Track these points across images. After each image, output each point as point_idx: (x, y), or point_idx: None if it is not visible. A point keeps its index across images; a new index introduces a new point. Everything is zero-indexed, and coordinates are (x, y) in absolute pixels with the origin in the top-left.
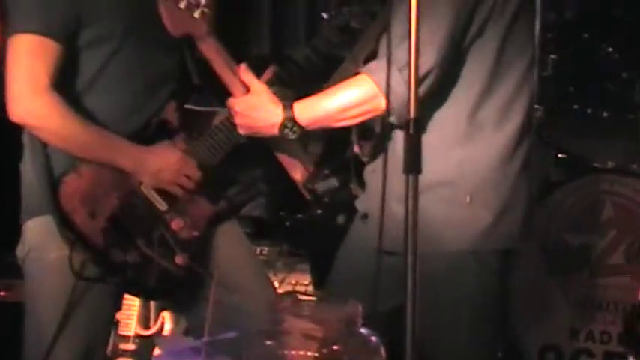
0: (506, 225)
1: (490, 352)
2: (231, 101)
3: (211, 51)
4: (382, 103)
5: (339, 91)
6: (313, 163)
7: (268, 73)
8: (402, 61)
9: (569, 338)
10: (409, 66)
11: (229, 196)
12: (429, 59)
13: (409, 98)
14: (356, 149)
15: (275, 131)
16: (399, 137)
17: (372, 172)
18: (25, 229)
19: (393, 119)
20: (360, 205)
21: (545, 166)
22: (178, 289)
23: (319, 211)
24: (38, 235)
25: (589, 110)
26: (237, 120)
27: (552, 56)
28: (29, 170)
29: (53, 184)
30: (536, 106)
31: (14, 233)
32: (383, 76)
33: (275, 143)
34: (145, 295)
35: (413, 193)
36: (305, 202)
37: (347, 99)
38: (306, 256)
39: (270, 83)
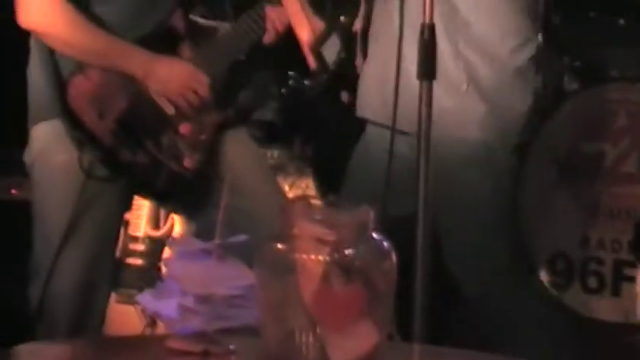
0: (509, 118)
1: (502, 246)
2: None
3: None
4: None
5: None
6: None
7: None
8: None
9: (579, 246)
10: None
11: (238, 102)
12: None
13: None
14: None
15: None
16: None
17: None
18: (32, 134)
19: None
20: None
21: (560, 74)
22: (187, 193)
23: (324, 76)
24: (45, 139)
25: (606, 18)
26: None
27: None
28: (36, 74)
29: (61, 86)
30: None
31: (25, 132)
32: None
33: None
34: (154, 197)
35: (427, 99)
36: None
37: None
38: (310, 160)
39: None
